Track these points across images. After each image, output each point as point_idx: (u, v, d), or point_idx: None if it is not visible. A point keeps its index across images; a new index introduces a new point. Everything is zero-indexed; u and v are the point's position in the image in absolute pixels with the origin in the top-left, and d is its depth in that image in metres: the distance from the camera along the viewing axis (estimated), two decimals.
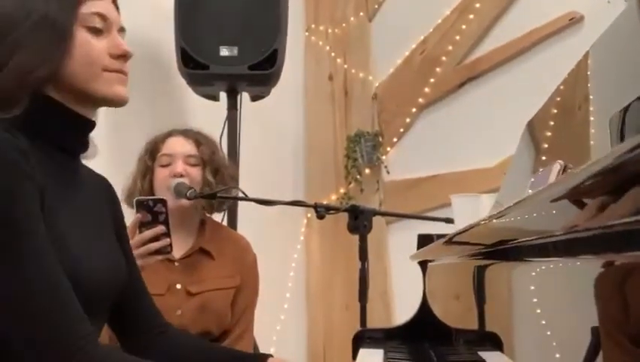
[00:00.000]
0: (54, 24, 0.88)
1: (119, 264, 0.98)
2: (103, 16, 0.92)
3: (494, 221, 0.81)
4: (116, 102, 0.94)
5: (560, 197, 0.54)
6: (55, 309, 0.79)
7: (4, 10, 0.87)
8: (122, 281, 0.98)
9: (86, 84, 0.90)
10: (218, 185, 1.62)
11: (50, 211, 0.84)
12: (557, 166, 0.79)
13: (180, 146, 1.63)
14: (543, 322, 0.66)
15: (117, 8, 0.96)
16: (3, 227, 0.79)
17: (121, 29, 0.95)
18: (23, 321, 0.79)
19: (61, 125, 0.91)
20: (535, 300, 0.69)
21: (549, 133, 1.20)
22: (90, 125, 0.95)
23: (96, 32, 0.92)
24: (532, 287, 0.70)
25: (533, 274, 0.70)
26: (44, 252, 0.81)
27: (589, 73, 1.08)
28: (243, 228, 2.07)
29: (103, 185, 1.05)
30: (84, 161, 1.00)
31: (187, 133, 1.66)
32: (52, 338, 0.79)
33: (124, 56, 0.93)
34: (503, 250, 0.78)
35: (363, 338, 1.30)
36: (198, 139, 1.65)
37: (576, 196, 0.51)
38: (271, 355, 1.03)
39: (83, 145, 0.96)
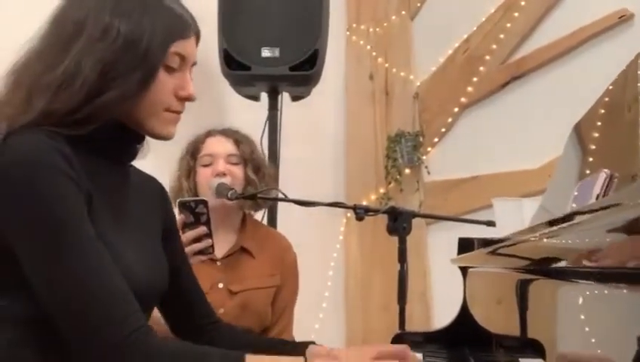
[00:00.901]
0: (148, 62, 0.88)
1: (161, 269, 0.99)
2: (182, 57, 0.92)
3: (542, 239, 0.79)
4: (162, 139, 0.95)
5: (614, 229, 0.52)
6: (108, 302, 0.80)
7: (125, 35, 0.87)
8: (164, 285, 0.99)
9: (144, 118, 0.91)
10: (260, 182, 1.64)
11: (97, 219, 0.85)
12: (603, 175, 0.77)
13: (220, 146, 1.66)
14: (587, 329, 0.64)
15: (198, 42, 0.96)
16: (49, 226, 0.81)
17: (194, 64, 0.95)
18: (76, 316, 0.81)
19: (109, 137, 0.91)
20: (581, 312, 0.68)
21: (596, 135, 1.17)
22: (139, 138, 0.96)
23: (172, 70, 0.92)
24: (579, 301, 0.68)
25: (580, 291, 0.68)
26: (92, 247, 0.82)
27: (639, 73, 1.05)
28: (283, 228, 2.09)
29: (153, 187, 1.06)
30: (136, 162, 1.01)
31: (226, 133, 1.69)
32: (107, 331, 0.80)
33: (188, 99, 0.94)
34: (548, 267, 0.76)
35: (402, 342, 1.29)
36: (238, 138, 1.67)
37: (631, 231, 0.49)
38: (313, 342, 1.05)
39: (131, 154, 0.97)
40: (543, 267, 0.78)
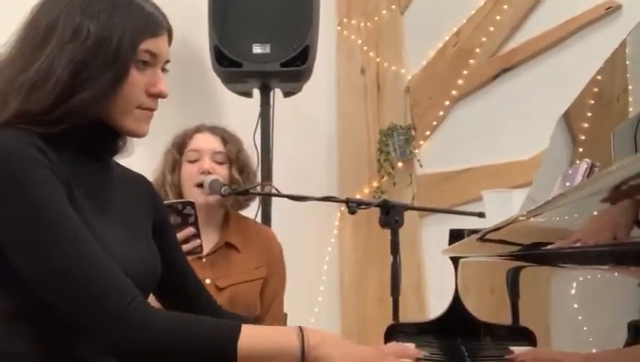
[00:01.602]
0: (119, 61, 0.89)
1: (153, 260, 1.00)
2: (153, 54, 0.93)
3: (527, 219, 0.80)
4: (135, 136, 0.97)
5: (604, 197, 0.53)
6: (94, 276, 0.82)
7: (95, 34, 0.88)
8: (157, 277, 1.00)
9: (117, 115, 0.92)
10: (244, 182, 1.65)
11: (79, 212, 0.87)
12: (584, 165, 0.79)
13: (207, 142, 1.66)
14: (580, 317, 0.66)
15: (170, 40, 0.97)
16: (31, 214, 0.82)
17: (166, 62, 0.96)
18: (70, 297, 0.82)
19: (85, 134, 0.92)
20: (573, 296, 0.69)
21: (585, 125, 1.18)
22: (117, 134, 0.96)
23: (143, 65, 0.93)
24: (572, 289, 0.70)
25: (572, 275, 0.70)
26: (77, 228, 0.84)
27: (627, 63, 1.06)
28: (277, 223, 2.10)
29: (140, 183, 1.07)
30: (122, 160, 1.03)
31: (214, 130, 1.69)
32: (96, 305, 0.82)
33: (159, 96, 0.94)
34: (539, 251, 0.77)
35: (395, 333, 1.31)
36: (225, 136, 1.68)
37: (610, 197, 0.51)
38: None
39: (110, 150, 0.98)
40: (533, 251, 0.79)
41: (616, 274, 0.56)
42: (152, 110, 0.95)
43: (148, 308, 0.85)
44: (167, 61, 0.96)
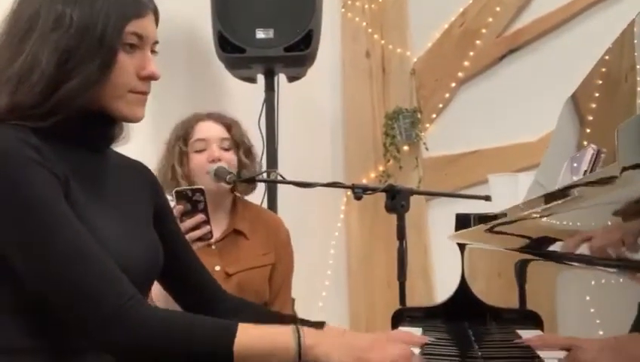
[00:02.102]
0: (106, 48, 0.88)
1: (154, 250, 1.00)
2: (140, 36, 0.91)
3: (538, 217, 0.79)
4: (131, 121, 0.95)
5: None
6: (91, 275, 0.82)
7: (78, 21, 0.87)
8: (158, 266, 1.00)
9: (109, 101, 0.91)
10: (252, 165, 1.65)
11: (77, 205, 0.86)
12: (590, 151, 0.78)
13: (213, 131, 1.66)
14: (588, 298, 0.65)
15: (157, 20, 0.95)
16: (26, 212, 0.82)
17: (155, 43, 0.94)
18: (67, 295, 0.82)
19: (77, 125, 0.91)
20: (580, 283, 0.69)
21: (593, 106, 1.17)
22: (109, 122, 0.95)
23: (130, 48, 0.91)
24: (577, 278, 0.69)
25: (578, 271, 0.69)
26: (73, 226, 0.83)
27: (635, 42, 1.05)
28: (283, 209, 2.10)
29: (138, 170, 1.06)
30: (121, 148, 1.02)
31: (214, 117, 1.68)
32: (94, 304, 0.81)
33: (150, 78, 0.93)
34: (546, 250, 0.76)
35: (402, 317, 1.31)
36: (228, 122, 1.68)
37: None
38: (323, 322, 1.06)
39: (105, 140, 0.97)
40: (541, 248, 0.79)
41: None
42: (144, 93, 0.93)
43: (145, 307, 0.84)
44: (156, 42, 0.95)
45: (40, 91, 0.86)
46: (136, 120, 0.94)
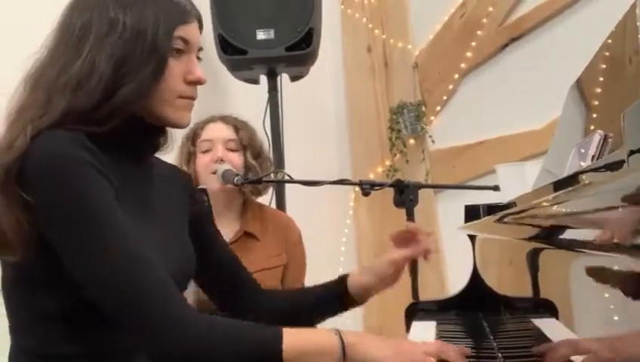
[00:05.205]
0: (158, 53, 0.89)
1: (187, 260, 1.00)
2: (186, 41, 0.93)
3: (545, 203, 0.79)
4: (178, 127, 0.96)
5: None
6: (142, 281, 0.81)
7: (131, 27, 0.88)
8: (191, 274, 1.01)
9: (158, 107, 0.92)
10: (260, 167, 1.66)
11: (123, 212, 0.86)
12: (597, 136, 0.77)
13: (219, 131, 1.67)
14: (601, 284, 0.65)
15: (201, 27, 0.97)
16: (83, 216, 0.82)
17: (200, 49, 0.96)
18: (112, 298, 0.82)
19: (128, 132, 0.92)
20: (592, 274, 0.68)
21: (598, 90, 1.16)
22: (158, 130, 0.96)
23: (177, 53, 0.92)
24: (590, 266, 0.69)
25: (591, 258, 0.68)
26: (122, 229, 0.83)
27: (638, 24, 1.04)
28: (292, 209, 2.10)
29: (177, 176, 1.08)
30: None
31: (226, 119, 1.70)
32: (143, 310, 0.81)
33: (197, 83, 0.94)
34: (558, 238, 0.76)
35: (415, 311, 1.31)
36: (237, 124, 1.69)
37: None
38: (347, 275, 1.10)
39: (152, 147, 0.98)
40: (552, 236, 0.78)
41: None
42: (192, 98, 0.95)
43: (193, 314, 0.83)
44: (200, 48, 0.96)
45: (99, 96, 0.87)
46: (183, 125, 0.96)
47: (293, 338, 0.83)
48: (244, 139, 1.67)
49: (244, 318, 0.90)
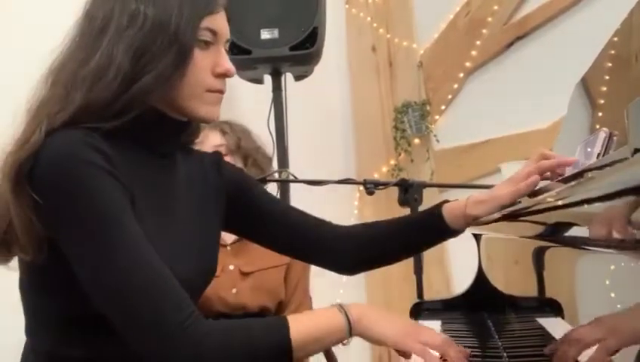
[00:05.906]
0: (181, 44, 0.87)
1: (209, 260, 0.99)
2: (214, 32, 0.90)
3: (550, 202, 0.79)
4: (206, 122, 0.94)
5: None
6: (157, 294, 0.79)
7: (152, 18, 0.86)
8: (210, 277, 0.99)
9: (187, 101, 0.90)
10: (250, 169, 1.65)
11: (139, 217, 0.84)
12: (602, 134, 0.77)
13: (206, 139, 1.66)
14: (607, 282, 0.65)
15: (228, 19, 0.94)
16: (92, 221, 0.81)
17: (227, 41, 0.94)
18: (126, 311, 0.80)
19: (149, 128, 0.90)
20: (599, 271, 0.68)
21: (604, 89, 1.15)
22: (181, 126, 0.94)
23: (205, 45, 0.90)
24: (596, 263, 0.68)
25: (597, 255, 0.68)
26: (137, 240, 0.81)
27: None
28: (297, 207, 2.10)
29: (206, 162, 1.04)
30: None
31: (214, 125, 1.69)
32: (153, 321, 0.79)
33: (226, 75, 0.92)
34: (564, 236, 0.75)
35: (420, 311, 1.31)
36: (223, 128, 1.68)
37: None
38: (446, 201, 1.07)
39: (174, 144, 0.96)
40: (557, 234, 0.78)
41: None
42: (221, 92, 0.92)
43: (204, 322, 0.81)
44: (228, 40, 0.94)
45: (115, 89, 0.85)
46: (211, 120, 0.93)
47: (299, 323, 0.83)
48: (231, 143, 1.67)
49: (334, 258, 0.92)
